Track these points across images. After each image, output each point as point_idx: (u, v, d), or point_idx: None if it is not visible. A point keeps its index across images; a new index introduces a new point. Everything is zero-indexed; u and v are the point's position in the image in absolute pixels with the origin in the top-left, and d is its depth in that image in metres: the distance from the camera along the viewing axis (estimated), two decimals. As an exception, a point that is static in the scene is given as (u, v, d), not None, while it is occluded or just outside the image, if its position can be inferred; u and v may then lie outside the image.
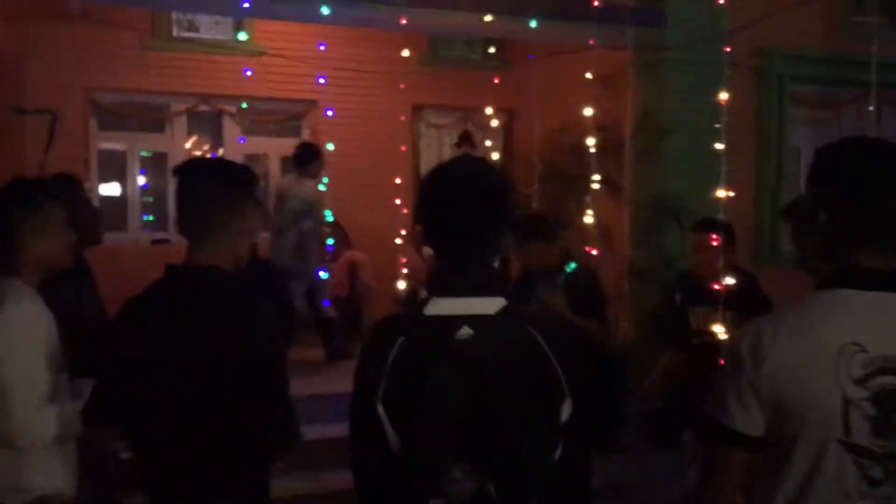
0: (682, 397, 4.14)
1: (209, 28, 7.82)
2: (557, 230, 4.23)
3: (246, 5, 5.14)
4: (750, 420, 1.60)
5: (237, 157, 8.12)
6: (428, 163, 8.76)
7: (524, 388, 1.60)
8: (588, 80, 6.36)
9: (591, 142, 6.04)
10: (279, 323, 2.13)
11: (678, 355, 4.28)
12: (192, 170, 2.18)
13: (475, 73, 8.34)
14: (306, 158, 6.46)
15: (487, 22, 5.68)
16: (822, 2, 6.68)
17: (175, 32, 7.73)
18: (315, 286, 6.52)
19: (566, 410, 1.64)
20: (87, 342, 2.43)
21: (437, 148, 8.85)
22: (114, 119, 7.77)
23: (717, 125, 5.41)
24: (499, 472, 1.55)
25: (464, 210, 1.64)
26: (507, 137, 8.97)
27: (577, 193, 6.39)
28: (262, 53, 7.73)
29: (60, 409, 2.29)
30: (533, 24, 5.83)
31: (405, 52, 7.15)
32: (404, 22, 5.45)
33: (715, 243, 3.97)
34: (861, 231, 1.60)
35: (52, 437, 2.27)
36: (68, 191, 3.20)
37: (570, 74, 7.03)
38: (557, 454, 1.63)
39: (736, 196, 6.17)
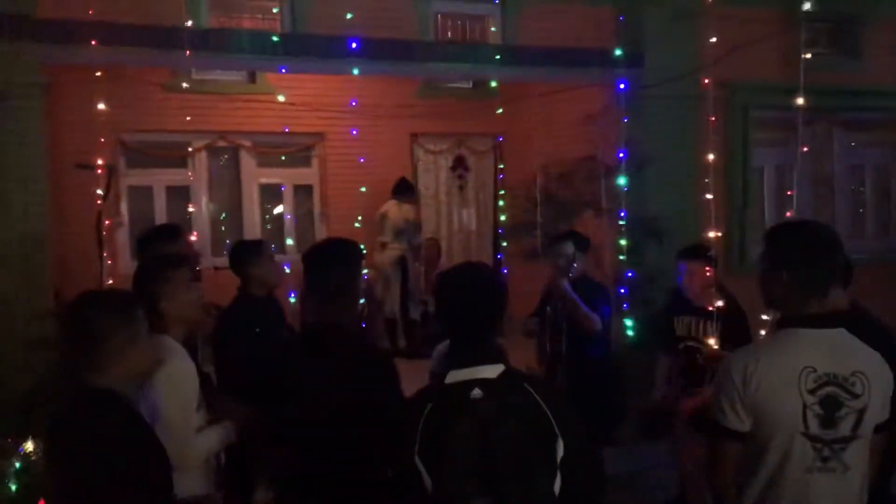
0: (672, 394, 4.89)
1: (224, 71, 8.47)
2: None
3: (283, 70, 5.85)
4: (740, 421, 2.33)
5: (253, 188, 8.87)
6: (426, 185, 9.53)
7: (525, 433, 2.09)
8: (576, 113, 7.17)
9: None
10: (393, 365, 2.84)
11: (667, 358, 5.02)
12: (315, 256, 2.94)
13: (468, 103, 9.12)
14: (403, 189, 8.38)
15: (494, 71, 6.48)
16: (780, 38, 7.49)
17: (193, 75, 8.38)
18: (409, 293, 8.10)
19: (560, 450, 2.13)
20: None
21: (435, 172, 9.60)
22: (140, 157, 8.41)
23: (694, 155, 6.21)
24: (509, 502, 2.04)
25: (467, 310, 2.28)
26: (497, 161, 9.74)
27: (568, 216, 7.19)
28: (273, 93, 8.41)
29: (206, 438, 2.97)
30: (530, 71, 6.64)
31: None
32: (420, 76, 6.21)
33: (700, 270, 4.71)
34: (808, 288, 2.37)
35: (203, 458, 2.96)
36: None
37: (559, 105, 7.84)
38: (556, 487, 2.11)
39: (708, 212, 7.03)
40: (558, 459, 2.12)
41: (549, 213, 7.19)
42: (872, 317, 3.34)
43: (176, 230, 4.03)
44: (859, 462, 2.34)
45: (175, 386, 2.84)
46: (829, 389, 2.28)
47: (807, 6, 6.85)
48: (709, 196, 5.69)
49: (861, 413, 2.30)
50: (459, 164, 9.55)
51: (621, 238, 6.98)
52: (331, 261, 2.89)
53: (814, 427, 2.28)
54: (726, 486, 2.41)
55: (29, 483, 3.86)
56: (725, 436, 2.37)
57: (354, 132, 7.63)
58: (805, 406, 2.27)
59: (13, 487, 4.04)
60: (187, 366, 2.93)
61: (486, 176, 9.78)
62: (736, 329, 4.46)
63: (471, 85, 9.32)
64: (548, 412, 2.14)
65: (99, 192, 5.46)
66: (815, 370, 2.29)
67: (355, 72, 5.94)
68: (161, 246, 3.71)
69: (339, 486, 2.65)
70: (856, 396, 2.30)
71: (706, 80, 6.35)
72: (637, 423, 6.02)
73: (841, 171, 8.93)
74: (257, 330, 3.94)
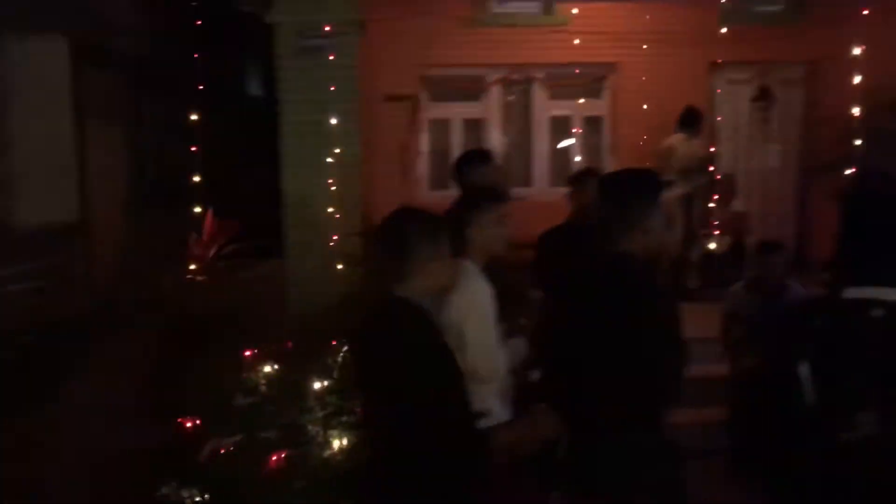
0: None
1: (521, 3, 8.56)
2: None
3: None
4: None
5: (544, 121, 8.95)
6: (725, 117, 8.96)
7: None
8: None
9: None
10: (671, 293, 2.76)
11: None
12: (613, 182, 2.92)
13: (774, 28, 8.36)
14: (691, 120, 7.66)
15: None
16: None
17: (493, 9, 8.57)
18: (693, 233, 7.68)
19: None
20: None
21: (735, 103, 8.98)
22: (440, 91, 8.83)
23: None
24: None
25: (878, 230, 2.28)
26: (809, 92, 8.86)
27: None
28: (567, 23, 8.34)
29: (504, 351, 3.13)
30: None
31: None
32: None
33: None
34: None
35: (504, 371, 3.13)
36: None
37: (885, 27, 6.90)
38: None
39: None
40: None
41: (875, 148, 6.42)
42: None
43: (488, 155, 4.21)
44: None
45: (473, 305, 3.01)
46: None
47: None
48: None
49: None
50: (764, 94, 8.79)
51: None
52: (625, 191, 2.87)
53: None
54: None
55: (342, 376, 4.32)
56: None
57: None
58: None
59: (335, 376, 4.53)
60: (484, 287, 3.09)
61: (793, 108, 8.94)
62: None
63: (781, 7, 8.52)
64: None
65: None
66: None
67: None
68: (475, 168, 3.93)
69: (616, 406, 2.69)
70: None
71: None
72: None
73: None
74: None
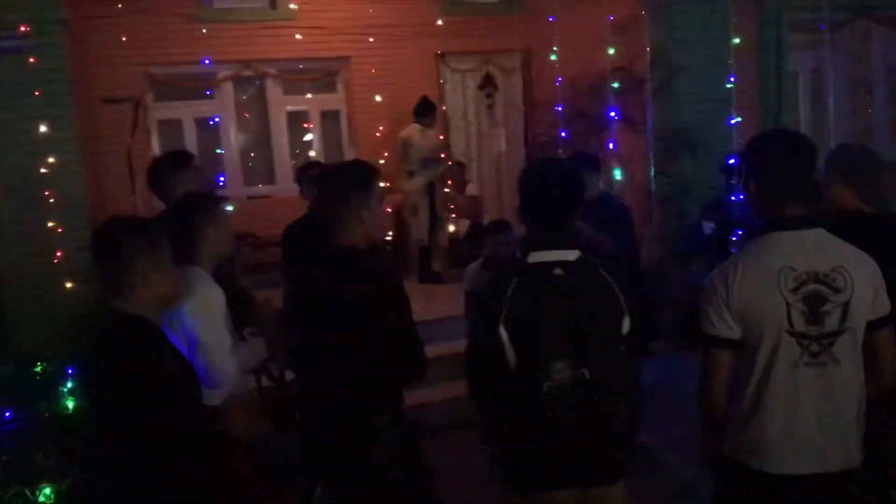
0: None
1: (243, -1, 8.39)
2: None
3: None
4: (730, 328, 2.37)
5: (280, 116, 8.86)
6: (453, 106, 9.42)
7: (599, 306, 2.46)
8: (604, 24, 6.97)
9: (614, 85, 6.72)
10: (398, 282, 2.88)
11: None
12: (325, 180, 2.99)
13: (494, 19, 8.91)
14: (424, 111, 7.89)
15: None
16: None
17: (215, 4, 8.31)
18: (437, 219, 7.99)
19: (626, 324, 2.50)
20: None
21: (462, 91, 9.46)
22: (167, 90, 8.43)
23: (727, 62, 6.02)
24: (589, 362, 2.39)
25: (552, 198, 2.58)
26: (526, 79, 9.55)
27: (599, 131, 7.09)
28: (294, 18, 8.31)
29: (237, 359, 3.08)
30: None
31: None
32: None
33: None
34: (780, 193, 2.40)
35: (235, 378, 3.06)
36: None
37: (586, 19, 7.63)
38: (622, 350, 2.49)
39: (743, 122, 6.87)
40: (624, 332, 2.50)
41: (580, 129, 7.09)
42: (880, 216, 3.24)
43: (188, 157, 3.93)
44: (851, 355, 2.36)
45: (206, 311, 2.93)
46: (811, 287, 2.33)
47: None
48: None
49: (846, 307, 2.33)
50: (487, 82, 9.37)
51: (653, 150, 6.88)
52: (342, 183, 2.89)
53: (799, 324, 2.32)
54: (717, 397, 2.45)
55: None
56: (717, 345, 2.41)
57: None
58: (788, 305, 2.32)
59: (70, 405, 4.23)
60: (216, 293, 3.02)
61: (514, 94, 9.61)
62: None
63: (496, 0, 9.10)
64: (617, 291, 2.49)
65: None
66: (793, 269, 2.33)
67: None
68: (175, 173, 3.67)
69: (354, 389, 2.76)
70: (838, 290, 2.33)
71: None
72: (671, 335, 6.06)
73: (880, 73, 8.61)
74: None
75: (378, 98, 8.57)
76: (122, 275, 2.43)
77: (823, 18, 6.94)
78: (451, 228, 8.34)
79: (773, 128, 4.12)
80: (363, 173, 2.91)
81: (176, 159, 3.82)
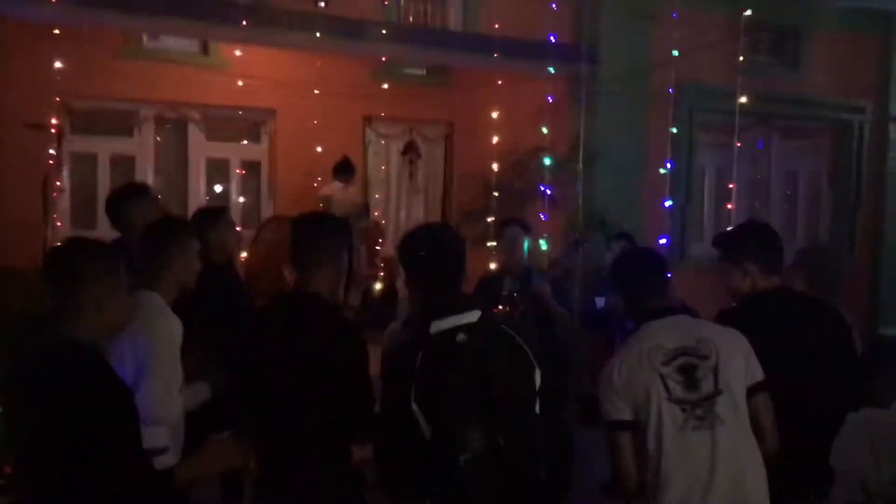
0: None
1: (177, 40, 8.32)
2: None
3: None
4: (621, 410, 2.66)
5: (200, 162, 8.73)
6: (375, 167, 9.55)
7: (511, 365, 2.35)
8: (529, 104, 7.29)
9: (546, 161, 7.02)
10: (363, 337, 2.89)
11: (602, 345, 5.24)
12: (306, 224, 2.97)
13: (421, 89, 9.18)
14: (345, 169, 8.16)
15: (453, 56, 6.54)
16: (726, 44, 7.77)
17: (145, 43, 8.21)
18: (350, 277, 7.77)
19: (538, 378, 2.40)
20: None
21: (385, 156, 9.62)
22: (85, 123, 8.19)
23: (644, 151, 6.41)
24: (503, 427, 2.27)
25: (440, 264, 2.51)
26: (448, 149, 9.81)
27: (521, 205, 7.34)
28: (226, 66, 8.31)
29: (186, 394, 2.99)
30: (487, 59, 6.74)
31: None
32: (384, 59, 6.22)
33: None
34: (645, 294, 2.86)
35: (178, 417, 2.97)
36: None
37: (514, 96, 7.96)
38: (537, 408, 2.37)
39: (651, 208, 7.27)
40: (537, 387, 2.40)
41: (503, 201, 7.32)
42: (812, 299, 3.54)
43: (144, 188, 3.98)
44: (734, 415, 2.62)
45: (164, 341, 2.86)
46: (683, 359, 2.66)
47: (748, 13, 7.15)
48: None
49: (715, 370, 2.64)
50: (410, 149, 9.57)
51: (570, 228, 7.17)
52: (317, 233, 2.90)
53: (676, 392, 2.62)
54: (627, 475, 2.67)
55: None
56: (613, 427, 2.68)
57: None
58: (662, 376, 2.64)
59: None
60: (175, 324, 2.95)
61: (436, 164, 9.84)
62: None
63: (424, 72, 9.37)
64: (524, 346, 2.41)
65: (51, 151, 5.32)
66: (662, 347, 2.69)
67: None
68: (133, 203, 3.68)
69: (306, 446, 2.70)
70: (705, 357, 2.66)
71: (659, 81, 6.56)
72: (574, 409, 6.19)
73: (777, 177, 9.31)
74: (217, 295, 3.95)
75: (301, 153, 8.60)
76: (74, 298, 2.34)
77: (731, 121, 7.49)
78: (378, 286, 8.36)
79: (633, 249, 4.67)
80: (338, 226, 2.99)
81: (133, 190, 3.86)
